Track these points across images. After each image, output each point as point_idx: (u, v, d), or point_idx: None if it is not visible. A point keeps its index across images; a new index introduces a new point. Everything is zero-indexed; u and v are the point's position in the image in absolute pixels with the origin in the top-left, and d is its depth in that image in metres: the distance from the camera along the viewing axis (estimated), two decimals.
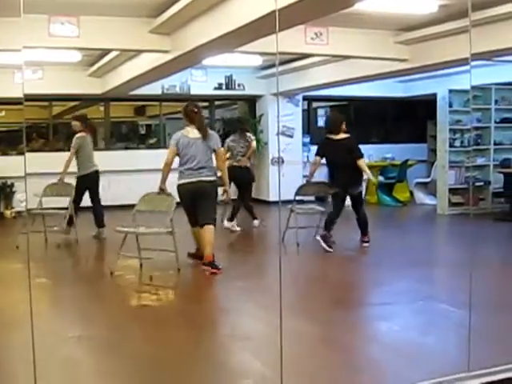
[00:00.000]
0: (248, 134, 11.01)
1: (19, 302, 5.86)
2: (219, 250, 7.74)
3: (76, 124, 9.83)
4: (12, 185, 12.03)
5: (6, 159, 11.76)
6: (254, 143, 11.03)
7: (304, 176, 13.85)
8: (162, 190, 7.45)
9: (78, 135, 9.64)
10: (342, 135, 8.92)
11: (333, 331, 5.18)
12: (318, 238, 8.55)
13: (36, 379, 3.08)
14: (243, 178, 10.67)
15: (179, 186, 7.38)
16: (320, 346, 4.79)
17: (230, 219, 10.50)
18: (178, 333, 5.22)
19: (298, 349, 4.53)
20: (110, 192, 12.76)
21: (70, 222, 9.39)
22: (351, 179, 8.73)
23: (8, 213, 11.77)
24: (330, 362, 4.42)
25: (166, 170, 7.39)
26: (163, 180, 7.42)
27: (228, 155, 10.47)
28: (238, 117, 14.98)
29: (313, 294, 6.59)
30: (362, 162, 8.80)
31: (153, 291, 7.01)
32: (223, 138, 14.14)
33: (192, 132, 7.41)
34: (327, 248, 8.38)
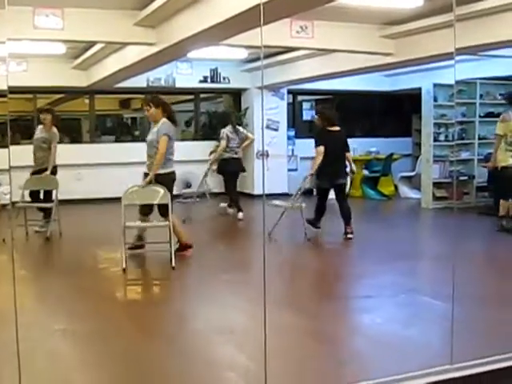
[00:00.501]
0: (238, 127, 11.23)
1: (3, 295, 5.85)
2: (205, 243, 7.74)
3: (47, 117, 9.57)
4: None
5: None
6: (250, 135, 11.51)
7: (289, 170, 13.93)
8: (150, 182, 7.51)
9: (55, 131, 9.55)
10: (337, 127, 9.16)
11: (317, 323, 5.20)
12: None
13: (20, 372, 3.08)
14: (237, 168, 11.20)
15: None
16: (304, 339, 4.81)
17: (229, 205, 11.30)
18: (162, 326, 5.23)
19: (282, 341, 4.54)
20: (94, 185, 12.76)
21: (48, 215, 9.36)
22: (341, 170, 9.07)
23: None
24: (314, 354, 4.44)
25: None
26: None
27: (223, 146, 10.94)
28: (224, 111, 14.98)
29: (297, 286, 6.62)
30: (349, 155, 9.27)
31: (139, 284, 7.03)
32: (211, 131, 14.20)
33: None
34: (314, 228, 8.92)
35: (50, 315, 5.48)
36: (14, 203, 8.88)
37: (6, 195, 8.91)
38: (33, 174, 9.44)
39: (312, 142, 9.15)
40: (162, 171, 7.47)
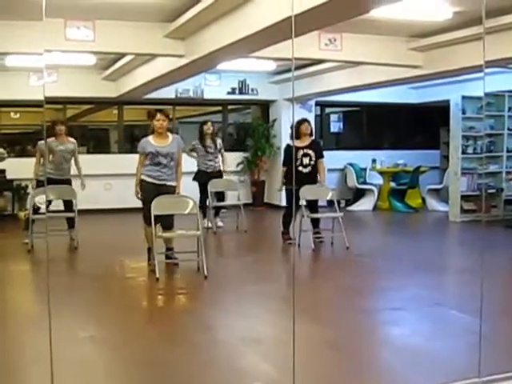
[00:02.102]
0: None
1: (33, 303, 5.94)
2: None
3: (62, 128, 9.46)
4: (26, 187, 12.11)
5: (21, 161, 11.84)
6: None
7: None
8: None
9: (74, 141, 9.62)
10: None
11: (343, 335, 5.20)
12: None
13: (53, 379, 3.13)
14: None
15: None
16: (330, 350, 4.80)
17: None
18: (189, 335, 5.26)
19: (308, 353, 4.55)
20: (123, 195, 12.85)
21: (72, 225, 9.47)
22: None
23: (22, 214, 11.79)
24: (340, 366, 4.44)
25: None
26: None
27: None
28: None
29: (322, 298, 6.61)
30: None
31: (166, 293, 7.07)
32: (236, 141, 14.27)
33: None
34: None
35: (77, 322, 5.53)
36: (38, 213, 8.97)
37: (41, 205, 8.99)
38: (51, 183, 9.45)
39: (340, 153, 9.28)
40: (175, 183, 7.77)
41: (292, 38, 3.80)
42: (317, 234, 9.38)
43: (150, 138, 7.73)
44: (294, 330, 3.45)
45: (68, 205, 9.39)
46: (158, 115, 7.66)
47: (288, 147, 9.69)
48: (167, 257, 7.79)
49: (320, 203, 9.76)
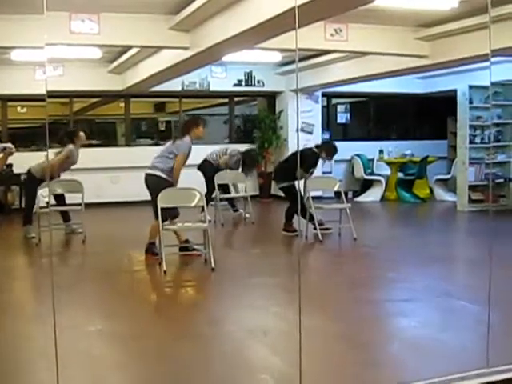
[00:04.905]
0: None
1: (41, 297, 5.94)
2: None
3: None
4: None
5: (28, 155, 11.84)
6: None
7: (324, 172, 13.88)
8: None
9: None
10: None
11: (351, 327, 5.19)
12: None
13: (58, 372, 3.12)
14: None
15: None
16: (338, 342, 4.80)
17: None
18: (197, 327, 5.26)
19: (316, 344, 4.54)
20: (130, 188, 12.88)
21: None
22: None
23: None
24: (348, 358, 4.43)
25: None
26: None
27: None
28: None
29: (331, 289, 6.60)
30: None
31: (174, 286, 7.08)
32: (243, 133, 14.29)
33: None
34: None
35: (85, 316, 5.54)
36: (46, 207, 8.99)
37: (44, 198, 9.01)
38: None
39: (347, 144, 9.26)
40: None
41: (296, 29, 3.78)
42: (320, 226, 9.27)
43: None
44: (300, 321, 3.44)
45: (61, 199, 9.44)
46: (201, 127, 7.88)
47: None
48: (184, 249, 7.80)
49: (327, 194, 9.75)
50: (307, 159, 9.26)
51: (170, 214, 7.59)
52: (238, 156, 11.28)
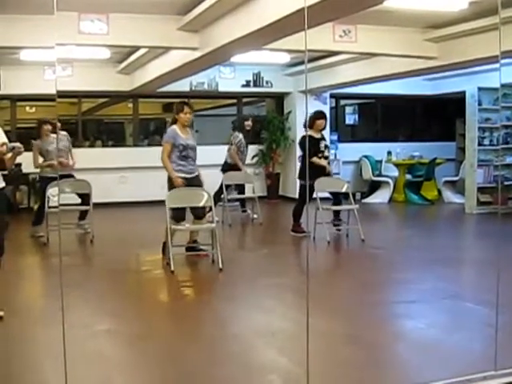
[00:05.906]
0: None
1: (49, 296, 5.95)
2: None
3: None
4: None
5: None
6: None
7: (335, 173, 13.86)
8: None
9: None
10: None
11: (358, 328, 5.18)
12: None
13: (66, 371, 3.13)
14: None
15: None
16: (345, 343, 4.79)
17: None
18: (204, 328, 5.26)
19: (323, 346, 4.54)
20: (138, 188, 12.93)
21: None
22: None
23: (36, 207, 11.82)
24: (355, 359, 4.43)
25: None
26: None
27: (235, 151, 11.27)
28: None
29: (338, 290, 6.60)
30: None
31: (181, 286, 7.08)
32: (251, 134, 14.28)
33: None
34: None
35: (93, 316, 5.55)
36: (54, 206, 8.99)
37: (54, 197, 9.02)
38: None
39: (355, 146, 9.23)
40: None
41: (305, 30, 3.77)
42: (338, 223, 9.45)
43: (177, 130, 7.65)
44: (307, 322, 3.44)
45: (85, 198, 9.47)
46: (186, 108, 7.65)
47: (311, 138, 9.25)
48: (191, 249, 7.81)
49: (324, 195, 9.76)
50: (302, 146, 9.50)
51: (195, 213, 7.60)
52: (236, 134, 11.43)
